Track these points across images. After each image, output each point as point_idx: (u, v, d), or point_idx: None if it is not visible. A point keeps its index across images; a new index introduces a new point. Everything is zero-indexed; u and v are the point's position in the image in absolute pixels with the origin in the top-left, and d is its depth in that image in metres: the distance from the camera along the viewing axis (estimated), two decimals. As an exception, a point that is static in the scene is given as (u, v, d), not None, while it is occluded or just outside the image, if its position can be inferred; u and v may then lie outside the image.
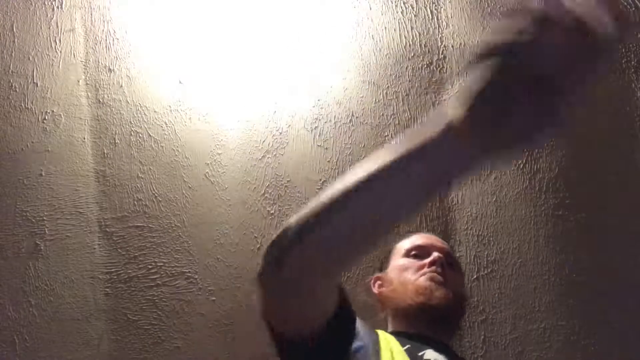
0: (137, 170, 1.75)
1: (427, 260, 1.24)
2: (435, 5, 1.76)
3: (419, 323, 1.18)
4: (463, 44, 1.74)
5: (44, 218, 1.73)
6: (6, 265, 1.70)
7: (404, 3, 1.77)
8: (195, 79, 1.79)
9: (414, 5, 1.77)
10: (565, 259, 1.63)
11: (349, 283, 1.66)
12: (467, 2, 1.75)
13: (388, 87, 1.75)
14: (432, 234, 1.43)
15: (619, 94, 1.66)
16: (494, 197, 1.69)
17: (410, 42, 1.76)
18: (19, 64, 1.80)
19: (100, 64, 1.80)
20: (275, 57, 1.78)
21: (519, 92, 0.54)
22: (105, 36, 1.81)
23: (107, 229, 1.72)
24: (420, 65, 1.75)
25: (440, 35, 1.75)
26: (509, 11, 0.54)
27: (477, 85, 0.58)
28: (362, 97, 1.75)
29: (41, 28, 1.82)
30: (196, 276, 1.69)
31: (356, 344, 0.97)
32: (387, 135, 1.73)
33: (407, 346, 1.08)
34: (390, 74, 1.75)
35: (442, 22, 1.75)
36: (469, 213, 1.69)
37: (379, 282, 1.33)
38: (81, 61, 1.80)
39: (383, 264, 1.35)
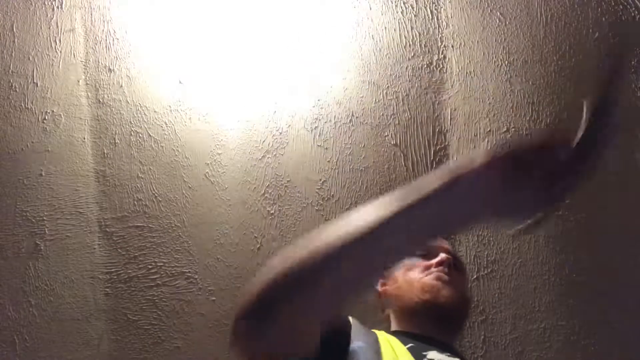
0: (137, 170, 1.75)
1: (434, 260, 1.23)
2: (435, 5, 1.76)
3: (424, 322, 1.17)
4: (463, 44, 1.74)
5: (44, 218, 1.73)
6: (6, 265, 1.70)
7: (404, 3, 1.77)
8: (195, 79, 1.79)
9: (414, 5, 1.77)
10: (565, 259, 1.63)
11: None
12: (467, 2, 1.75)
13: (388, 87, 1.75)
14: None
15: (619, 94, 1.66)
16: (494, 197, 1.69)
17: (410, 42, 1.76)
18: (19, 64, 1.80)
19: (100, 64, 1.80)
20: (275, 57, 1.78)
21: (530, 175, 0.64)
22: (105, 36, 1.81)
23: (107, 229, 1.72)
24: (420, 65, 1.75)
25: (440, 35, 1.75)
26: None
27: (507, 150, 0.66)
28: (362, 97, 1.75)
29: (41, 28, 1.82)
30: (196, 276, 1.70)
31: (355, 344, 0.97)
32: (387, 135, 1.73)
33: (410, 345, 1.07)
34: (390, 74, 1.75)
35: (442, 22, 1.75)
36: (469, 213, 1.69)
37: (382, 280, 1.32)
38: (81, 61, 1.80)
39: None
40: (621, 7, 1.68)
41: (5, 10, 1.82)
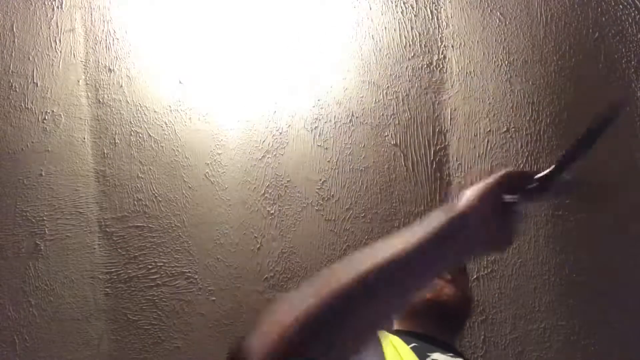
0: (137, 170, 1.75)
1: None
2: (435, 5, 1.76)
3: (426, 321, 1.16)
4: (463, 44, 1.74)
5: (44, 218, 1.73)
6: (6, 265, 1.70)
7: (404, 3, 1.77)
8: (195, 79, 1.79)
9: (414, 5, 1.77)
10: (565, 259, 1.63)
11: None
12: (467, 2, 1.75)
13: (388, 87, 1.75)
14: None
15: (619, 94, 1.65)
16: (494, 197, 1.69)
17: (410, 42, 1.76)
18: (19, 64, 1.80)
19: (100, 64, 1.80)
20: (275, 57, 1.78)
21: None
22: (105, 36, 1.81)
23: (107, 229, 1.72)
24: (420, 65, 1.75)
25: (440, 35, 1.75)
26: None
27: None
28: (362, 97, 1.75)
29: (41, 28, 1.82)
30: (196, 276, 1.70)
31: None
32: (387, 135, 1.73)
33: (414, 344, 1.07)
34: (390, 74, 1.75)
35: (442, 22, 1.75)
36: (469, 213, 1.69)
37: None
38: (81, 61, 1.80)
39: None
40: (621, 7, 1.68)
41: (5, 10, 1.82)
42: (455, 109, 1.72)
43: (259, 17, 1.80)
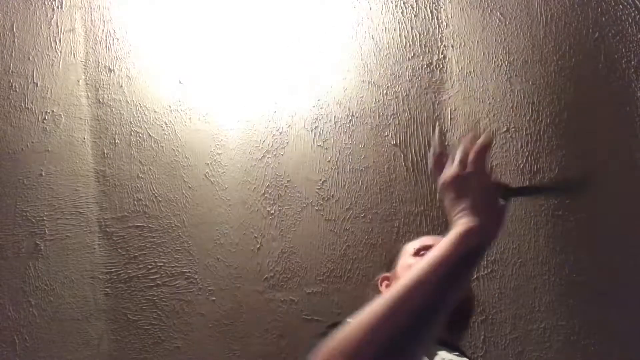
0: (137, 170, 1.75)
1: None
2: (435, 5, 1.76)
3: None
4: (463, 44, 1.74)
5: (44, 218, 1.73)
6: (6, 265, 1.70)
7: (404, 3, 1.77)
8: (195, 79, 1.79)
9: (414, 5, 1.77)
10: (565, 259, 1.63)
11: (350, 283, 1.66)
12: (467, 2, 1.75)
13: (388, 87, 1.75)
14: (439, 237, 1.43)
15: (619, 94, 1.66)
16: (494, 197, 1.69)
17: (410, 42, 1.76)
18: (19, 64, 1.80)
19: (100, 64, 1.80)
20: (275, 57, 1.78)
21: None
22: (105, 36, 1.81)
23: (107, 229, 1.72)
24: (420, 65, 1.75)
25: (440, 35, 1.75)
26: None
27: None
28: (362, 97, 1.75)
29: (41, 28, 1.82)
30: (196, 276, 1.70)
31: None
32: (387, 135, 1.73)
33: None
34: (390, 74, 1.75)
35: (442, 22, 1.75)
36: (469, 213, 1.69)
37: (386, 281, 1.32)
38: (81, 61, 1.80)
39: (391, 264, 1.35)
40: (621, 7, 1.68)
41: (5, 10, 1.82)
42: (455, 109, 1.72)
43: (259, 17, 1.80)
